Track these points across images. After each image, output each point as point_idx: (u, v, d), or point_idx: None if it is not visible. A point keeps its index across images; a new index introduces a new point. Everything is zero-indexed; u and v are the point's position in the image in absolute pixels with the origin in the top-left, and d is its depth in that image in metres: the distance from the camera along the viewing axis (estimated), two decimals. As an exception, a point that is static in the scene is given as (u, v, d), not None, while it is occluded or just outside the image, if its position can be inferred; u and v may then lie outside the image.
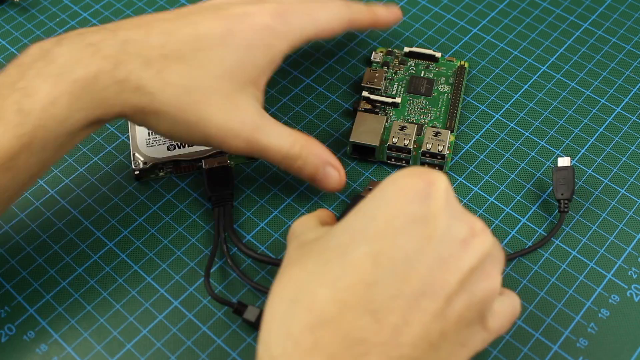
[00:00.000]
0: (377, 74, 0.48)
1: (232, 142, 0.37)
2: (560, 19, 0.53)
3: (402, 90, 0.48)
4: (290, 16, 0.39)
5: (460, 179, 0.44)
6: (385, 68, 0.49)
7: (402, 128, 0.43)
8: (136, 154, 0.44)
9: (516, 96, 0.48)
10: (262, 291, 0.39)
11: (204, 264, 0.41)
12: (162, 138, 0.44)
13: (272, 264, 0.40)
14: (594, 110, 0.48)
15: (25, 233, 0.43)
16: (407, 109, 0.46)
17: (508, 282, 0.40)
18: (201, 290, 0.40)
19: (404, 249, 0.27)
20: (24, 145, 0.33)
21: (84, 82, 0.34)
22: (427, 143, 0.43)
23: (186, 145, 0.44)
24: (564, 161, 0.42)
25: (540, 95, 0.49)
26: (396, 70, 0.49)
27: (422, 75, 0.48)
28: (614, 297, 0.39)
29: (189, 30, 0.37)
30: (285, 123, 0.47)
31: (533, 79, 0.49)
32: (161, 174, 0.44)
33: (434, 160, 0.43)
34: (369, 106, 0.46)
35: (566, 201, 0.41)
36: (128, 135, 0.47)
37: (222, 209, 0.42)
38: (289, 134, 0.39)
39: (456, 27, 0.53)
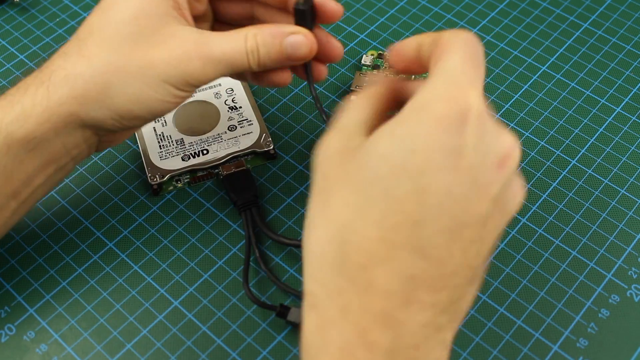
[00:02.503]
0: (366, 78, 0.48)
1: (190, 68, 0.35)
2: (560, 19, 0.53)
3: None
4: None
5: (460, 179, 0.44)
6: (375, 71, 0.49)
7: None
8: (151, 168, 0.43)
9: (516, 96, 0.48)
10: (291, 293, 0.39)
11: (204, 265, 0.41)
12: (175, 149, 0.44)
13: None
14: (594, 110, 0.48)
15: (26, 233, 0.43)
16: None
17: (508, 282, 0.40)
18: (201, 291, 0.40)
19: (445, 184, 0.28)
20: None
21: (22, 112, 0.34)
22: None
23: (200, 154, 0.44)
24: None
25: (540, 95, 0.49)
26: (387, 74, 0.48)
27: (412, 78, 0.48)
28: (614, 297, 0.39)
29: (95, 8, 0.37)
30: (285, 122, 0.47)
31: (533, 79, 0.49)
32: (179, 185, 0.44)
33: None
34: None
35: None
36: (138, 145, 0.47)
37: (250, 212, 0.42)
38: (236, 32, 0.36)
39: (456, 27, 0.53)
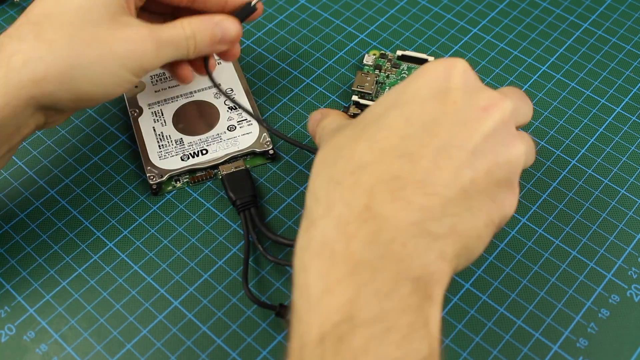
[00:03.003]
0: (368, 78, 0.47)
1: (147, 53, 0.38)
2: (560, 19, 0.53)
3: None
4: None
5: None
6: (377, 71, 0.48)
7: None
8: (150, 168, 0.43)
9: (516, 96, 0.48)
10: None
11: (204, 265, 0.41)
12: (174, 149, 0.44)
13: None
14: (594, 110, 0.48)
15: (26, 233, 0.43)
16: None
17: (508, 282, 0.40)
18: (201, 291, 0.40)
19: (430, 111, 0.31)
20: None
21: None
22: None
23: (200, 154, 0.44)
24: None
25: (540, 95, 0.49)
26: (388, 74, 0.48)
27: None
28: (614, 297, 0.39)
29: None
30: (285, 122, 0.47)
31: (533, 79, 0.49)
32: (178, 185, 0.44)
33: None
34: (358, 111, 0.46)
35: None
36: (137, 145, 0.47)
37: (248, 212, 0.42)
38: (172, 23, 0.40)
39: (456, 27, 0.53)
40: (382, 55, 0.50)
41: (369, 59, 0.49)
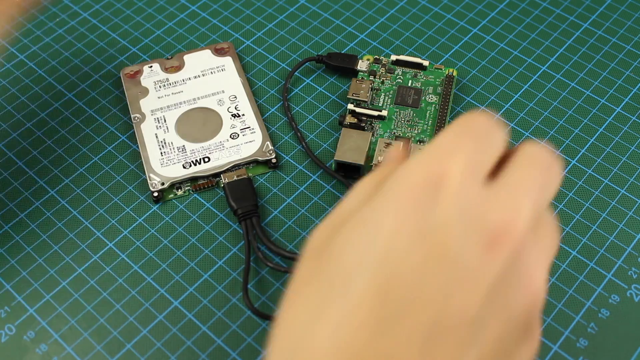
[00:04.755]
0: (363, 85, 0.47)
1: None
2: (560, 19, 0.53)
3: (389, 101, 0.47)
4: None
5: (460, 179, 0.44)
6: (372, 77, 0.48)
7: (388, 145, 0.43)
8: (152, 175, 0.43)
9: (516, 96, 0.48)
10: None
11: (204, 265, 0.41)
12: (176, 156, 0.44)
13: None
14: (594, 110, 0.48)
15: (26, 233, 0.43)
16: (394, 121, 0.46)
17: (508, 282, 0.40)
18: (201, 290, 0.40)
19: (411, 273, 0.22)
20: None
21: None
22: None
23: (202, 162, 0.44)
24: None
25: (540, 95, 0.49)
26: (383, 80, 0.48)
27: (409, 84, 0.47)
28: (614, 297, 0.39)
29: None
30: (286, 122, 0.47)
31: (533, 79, 0.49)
32: (180, 192, 0.44)
33: None
34: (354, 120, 0.45)
35: None
36: (138, 146, 0.47)
37: (250, 221, 0.42)
38: None
39: (456, 27, 0.53)
40: (376, 60, 0.49)
41: (363, 65, 0.48)
